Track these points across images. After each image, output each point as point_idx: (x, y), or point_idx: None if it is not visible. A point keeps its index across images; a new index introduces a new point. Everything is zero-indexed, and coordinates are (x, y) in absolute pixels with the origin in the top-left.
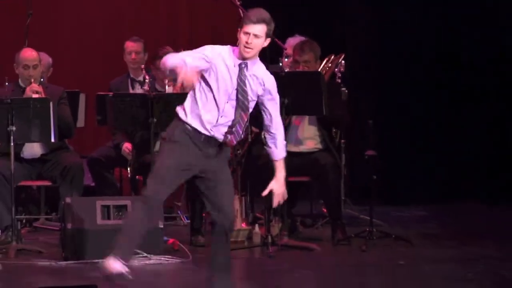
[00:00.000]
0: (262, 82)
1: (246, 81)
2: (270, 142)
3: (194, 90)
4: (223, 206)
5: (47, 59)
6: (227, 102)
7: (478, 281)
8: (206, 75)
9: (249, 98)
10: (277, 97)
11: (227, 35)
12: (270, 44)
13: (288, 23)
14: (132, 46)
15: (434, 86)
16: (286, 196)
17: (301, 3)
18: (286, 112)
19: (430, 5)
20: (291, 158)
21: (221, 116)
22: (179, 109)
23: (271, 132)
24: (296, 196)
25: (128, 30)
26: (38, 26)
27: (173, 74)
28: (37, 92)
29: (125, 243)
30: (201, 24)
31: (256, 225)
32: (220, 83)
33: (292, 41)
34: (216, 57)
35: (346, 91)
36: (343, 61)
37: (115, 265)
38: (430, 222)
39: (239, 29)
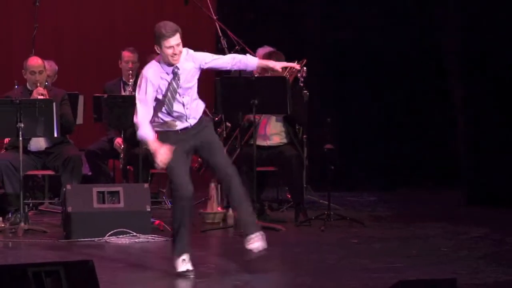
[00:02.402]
0: (195, 64)
1: (182, 78)
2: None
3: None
4: (218, 160)
5: (54, 66)
6: (173, 100)
7: (421, 257)
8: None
9: (187, 86)
10: (207, 54)
11: (204, 46)
12: (242, 53)
13: (256, 36)
14: (129, 56)
15: (383, 87)
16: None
17: (267, 17)
18: (256, 111)
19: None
20: (260, 151)
21: (174, 110)
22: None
23: (234, 64)
24: (264, 184)
25: (120, 41)
26: (44, 37)
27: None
28: (42, 94)
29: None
30: (182, 36)
31: (230, 209)
32: (164, 92)
33: (262, 51)
34: (155, 79)
35: (308, 93)
36: (305, 67)
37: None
38: (380, 206)
39: (157, 46)
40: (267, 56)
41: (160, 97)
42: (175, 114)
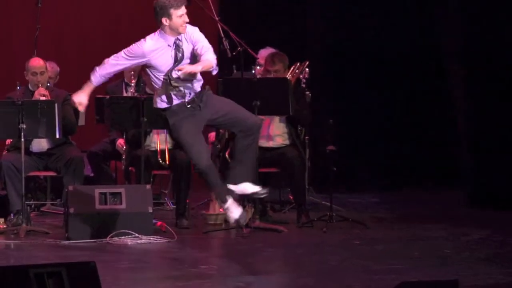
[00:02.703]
0: (191, 39)
1: (183, 50)
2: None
3: (151, 85)
4: (241, 119)
5: (56, 67)
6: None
7: (423, 258)
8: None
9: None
10: (199, 41)
11: None
12: (245, 54)
13: (259, 37)
14: None
15: (384, 88)
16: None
17: (269, 19)
18: (258, 112)
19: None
20: (263, 152)
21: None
22: (158, 103)
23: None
24: (267, 185)
25: (121, 42)
26: (45, 38)
27: None
28: (44, 95)
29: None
30: None
31: None
32: (168, 64)
33: (264, 52)
34: (151, 54)
35: (310, 94)
36: (307, 68)
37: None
38: (382, 207)
39: (165, 18)
40: (270, 58)
41: (164, 68)
42: (179, 85)
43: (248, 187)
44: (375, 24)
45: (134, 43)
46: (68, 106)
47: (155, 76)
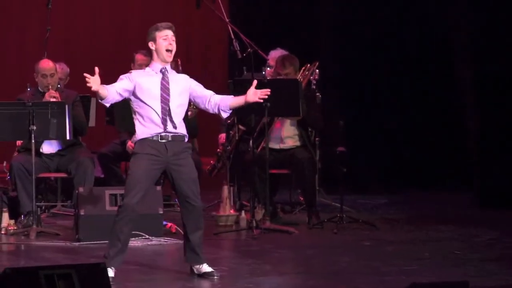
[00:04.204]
0: (186, 83)
1: (171, 82)
2: (219, 108)
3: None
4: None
5: (65, 68)
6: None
7: (434, 260)
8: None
9: (178, 102)
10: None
11: (216, 48)
12: (255, 55)
13: (269, 38)
14: (142, 60)
15: (394, 89)
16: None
17: (279, 20)
18: (268, 114)
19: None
20: (274, 154)
21: (159, 113)
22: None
23: (210, 102)
24: (277, 186)
25: (131, 43)
26: (55, 39)
27: None
28: (54, 97)
29: None
30: (195, 39)
31: (243, 211)
32: (152, 92)
33: (274, 54)
34: (138, 76)
35: (320, 96)
36: (317, 70)
37: None
38: (392, 209)
39: (151, 42)
40: (280, 61)
41: (148, 97)
42: (160, 116)
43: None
44: (387, 24)
45: (143, 43)
46: (79, 108)
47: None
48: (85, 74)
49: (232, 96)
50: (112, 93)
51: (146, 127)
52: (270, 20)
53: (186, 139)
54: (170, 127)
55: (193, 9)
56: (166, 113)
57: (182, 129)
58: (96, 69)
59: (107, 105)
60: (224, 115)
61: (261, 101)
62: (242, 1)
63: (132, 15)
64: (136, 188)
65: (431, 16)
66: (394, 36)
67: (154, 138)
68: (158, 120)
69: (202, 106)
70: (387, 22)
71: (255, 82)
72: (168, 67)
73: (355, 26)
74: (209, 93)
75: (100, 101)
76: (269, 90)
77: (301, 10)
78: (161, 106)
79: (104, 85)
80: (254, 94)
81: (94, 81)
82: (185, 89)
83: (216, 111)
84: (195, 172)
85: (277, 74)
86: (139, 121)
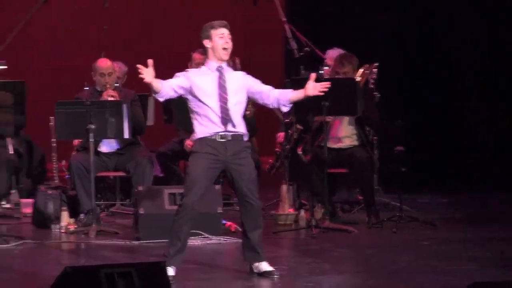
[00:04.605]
0: (243, 80)
1: (228, 80)
2: (278, 103)
3: None
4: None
5: (123, 67)
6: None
7: (495, 259)
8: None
9: (235, 99)
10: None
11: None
12: (312, 54)
13: (326, 37)
14: (200, 59)
15: (453, 88)
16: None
17: (337, 18)
18: (326, 112)
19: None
20: (332, 153)
21: (219, 112)
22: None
23: (269, 97)
24: (336, 186)
25: (189, 43)
26: (113, 38)
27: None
28: (112, 96)
29: None
30: (252, 38)
31: (302, 210)
32: (209, 91)
33: (331, 53)
34: (194, 75)
35: (379, 95)
36: (375, 69)
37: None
38: (451, 208)
39: (206, 40)
40: (339, 60)
41: (205, 96)
42: (219, 115)
43: (263, 266)
44: (445, 24)
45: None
46: (137, 107)
47: None
48: (138, 65)
49: (291, 90)
50: (166, 88)
51: (205, 126)
52: (328, 18)
53: (246, 138)
54: (229, 126)
55: (250, 7)
56: (225, 112)
57: (241, 128)
58: (150, 61)
59: (161, 99)
60: (284, 109)
61: (322, 93)
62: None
63: (189, 14)
64: (195, 187)
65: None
66: (455, 34)
67: (213, 137)
68: (216, 119)
69: (261, 102)
70: (448, 18)
71: (313, 75)
72: (225, 65)
73: (414, 25)
74: (267, 88)
75: (153, 95)
76: (329, 83)
77: (359, 8)
78: (219, 105)
79: (159, 79)
80: (314, 88)
81: (147, 73)
82: (242, 86)
83: (275, 105)
84: (255, 171)
85: (335, 73)
86: (198, 121)
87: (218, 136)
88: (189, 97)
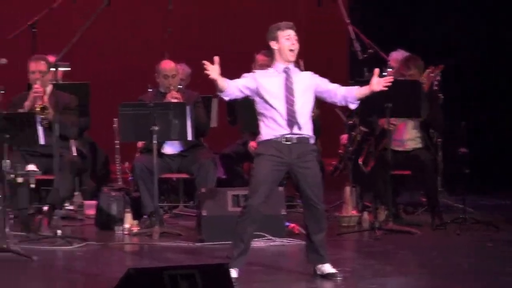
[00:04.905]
0: (311, 80)
1: (295, 81)
2: (346, 100)
3: None
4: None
5: (187, 69)
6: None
7: None
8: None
9: (302, 99)
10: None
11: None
12: (375, 56)
13: (390, 39)
14: (263, 60)
15: None
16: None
17: (400, 20)
18: (390, 114)
19: None
20: (396, 155)
21: (284, 114)
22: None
23: (337, 95)
24: (399, 187)
25: (254, 44)
26: (176, 40)
27: None
28: (176, 98)
29: None
30: (316, 40)
31: (365, 212)
32: (276, 92)
33: (395, 55)
34: (261, 76)
35: (442, 97)
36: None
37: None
38: None
39: (273, 41)
40: (405, 62)
41: (272, 98)
42: (285, 118)
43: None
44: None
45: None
46: (200, 109)
47: None
48: (204, 61)
49: (358, 86)
50: (232, 87)
51: (270, 128)
52: (391, 20)
53: (312, 141)
54: (295, 129)
55: (314, 8)
56: (291, 114)
57: (307, 130)
58: (216, 58)
59: (226, 98)
60: (352, 106)
61: (386, 89)
62: (363, 1)
63: (256, 15)
64: (260, 190)
65: None
66: None
67: (279, 140)
68: (282, 121)
69: (329, 100)
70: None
71: (376, 70)
72: (292, 66)
73: (478, 27)
74: (335, 86)
75: (219, 93)
76: (392, 78)
77: (422, 10)
78: (286, 107)
79: (225, 79)
80: (378, 83)
81: (213, 69)
82: (309, 86)
83: (343, 103)
84: (319, 175)
85: (401, 75)
86: (264, 123)
87: (284, 139)
88: (256, 98)
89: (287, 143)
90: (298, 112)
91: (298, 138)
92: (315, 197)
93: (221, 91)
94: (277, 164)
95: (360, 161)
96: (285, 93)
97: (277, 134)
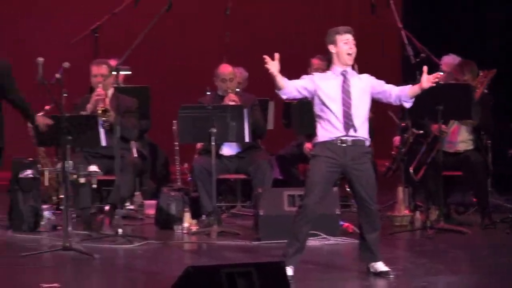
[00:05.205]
0: (367, 83)
1: (352, 84)
2: (400, 100)
3: None
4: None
5: (244, 73)
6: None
7: None
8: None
9: (359, 101)
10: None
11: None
12: (428, 60)
13: (442, 44)
14: (318, 64)
15: None
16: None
17: (453, 25)
18: (441, 117)
19: None
20: (447, 157)
21: (340, 116)
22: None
23: (392, 95)
24: (451, 188)
25: (311, 48)
26: (234, 44)
27: None
28: (233, 101)
29: None
30: (369, 44)
31: (417, 212)
32: (333, 94)
33: (447, 59)
34: (319, 79)
35: (493, 99)
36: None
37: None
38: None
39: (331, 45)
40: (459, 67)
41: (329, 100)
42: (341, 120)
43: (379, 266)
44: None
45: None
46: (257, 111)
47: None
48: (264, 56)
49: (410, 85)
50: (290, 86)
51: (327, 130)
52: (443, 25)
53: (368, 143)
54: (351, 131)
55: (368, 14)
56: (348, 116)
57: (363, 133)
58: (277, 54)
59: (284, 97)
60: (407, 105)
61: (434, 85)
62: (416, 6)
63: (310, 21)
64: (315, 190)
65: None
66: None
67: (334, 142)
68: (339, 124)
69: (385, 101)
70: None
71: (425, 68)
72: (349, 69)
73: None
74: (389, 86)
75: (277, 91)
76: (440, 73)
77: (475, 14)
78: (343, 109)
79: (284, 78)
80: (428, 80)
81: (272, 65)
82: (365, 89)
83: (398, 102)
84: (373, 176)
85: (455, 80)
86: (321, 124)
87: (339, 141)
88: (315, 101)
89: (342, 145)
90: (354, 114)
91: (353, 140)
92: (369, 198)
93: (280, 89)
94: (332, 166)
95: (411, 169)
96: (342, 96)
97: (333, 136)
